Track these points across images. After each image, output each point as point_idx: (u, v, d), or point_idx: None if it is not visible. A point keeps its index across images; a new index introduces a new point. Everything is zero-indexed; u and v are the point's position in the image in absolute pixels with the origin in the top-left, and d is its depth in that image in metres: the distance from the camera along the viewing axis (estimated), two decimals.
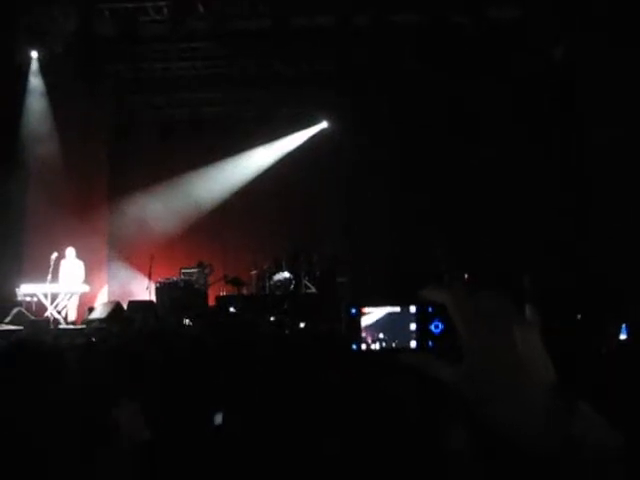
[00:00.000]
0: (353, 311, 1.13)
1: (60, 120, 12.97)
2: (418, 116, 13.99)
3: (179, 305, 12.12)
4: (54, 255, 11.54)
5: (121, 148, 15.67)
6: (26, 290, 11.30)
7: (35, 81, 12.83)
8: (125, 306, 11.65)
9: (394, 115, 14.25)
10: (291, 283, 13.14)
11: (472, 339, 0.96)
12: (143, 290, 13.58)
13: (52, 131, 12.90)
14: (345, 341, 1.15)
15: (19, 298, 11.29)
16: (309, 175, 14.38)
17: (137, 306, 11.73)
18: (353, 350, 1.13)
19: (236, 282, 13.08)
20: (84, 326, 10.21)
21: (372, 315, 1.12)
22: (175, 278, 13.40)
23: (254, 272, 13.65)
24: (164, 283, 13.14)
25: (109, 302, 12.10)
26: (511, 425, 0.91)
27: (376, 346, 1.12)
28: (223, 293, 13.33)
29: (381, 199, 14.10)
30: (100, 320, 10.48)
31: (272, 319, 8.19)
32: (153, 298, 12.90)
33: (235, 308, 11.44)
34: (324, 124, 15.39)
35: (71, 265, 12.20)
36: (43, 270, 11.45)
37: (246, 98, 15.21)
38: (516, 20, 12.00)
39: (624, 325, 4.65)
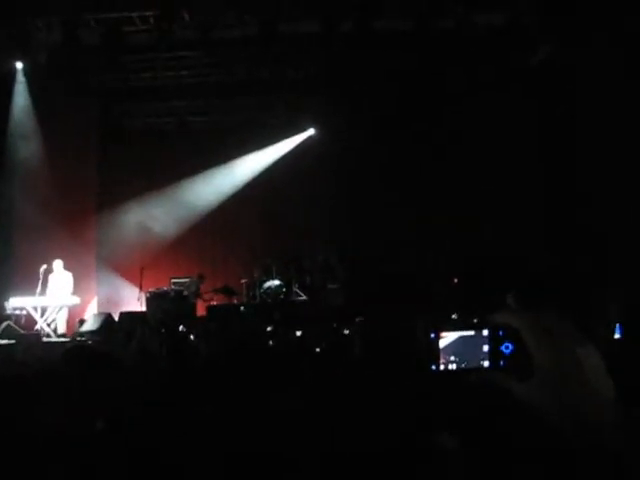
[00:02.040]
0: (432, 335, 1.20)
1: (47, 130, 12.90)
2: (406, 121, 14.05)
3: (170, 315, 12.06)
4: (43, 267, 11.45)
5: (109, 158, 15.60)
6: (15, 303, 11.19)
7: (20, 92, 12.73)
8: (116, 317, 11.57)
9: (381, 121, 14.30)
10: (282, 291, 13.11)
11: (543, 358, 1.01)
12: (133, 300, 13.51)
13: (38, 142, 12.83)
14: (424, 362, 1.21)
15: (8, 312, 11.18)
16: (298, 182, 14.38)
17: (129, 317, 11.65)
18: (432, 370, 1.20)
19: (227, 291, 13.03)
20: (78, 338, 10.12)
21: (447, 338, 1.18)
22: (165, 288, 13.34)
23: (244, 281, 13.61)
24: (155, 293, 13.07)
25: (100, 314, 12.01)
26: (574, 434, 0.94)
27: (452, 366, 1.19)
28: (214, 302, 13.27)
29: (370, 204, 14.13)
30: (92, 332, 10.39)
31: (269, 329, 8.16)
32: (144, 309, 12.83)
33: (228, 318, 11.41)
34: (312, 131, 15.38)
35: (59, 277, 12.09)
36: (32, 283, 11.36)
37: (233, 106, 15.19)
38: (501, 25, 12.04)
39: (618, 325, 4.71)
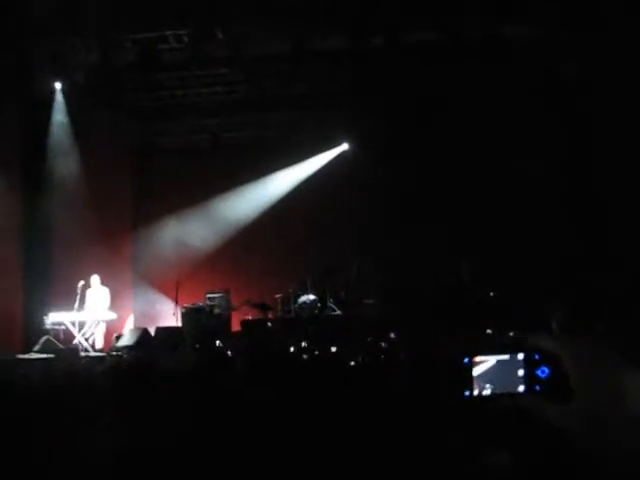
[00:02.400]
0: (466, 360, 1.18)
1: (84, 148, 13.14)
2: (437, 133, 14.01)
3: (205, 331, 12.14)
4: (81, 283, 11.65)
5: (145, 175, 15.84)
6: (54, 318, 11.40)
7: (59, 110, 13.00)
8: (152, 332, 11.69)
9: (413, 133, 14.28)
10: (316, 305, 13.09)
11: (581, 383, 1.00)
12: (169, 315, 13.63)
13: (76, 159, 13.07)
14: (458, 387, 1.19)
15: (47, 326, 11.39)
16: (331, 197, 14.37)
17: (165, 332, 11.76)
18: (465, 396, 1.18)
19: (261, 306, 13.06)
20: (115, 353, 10.24)
21: (483, 364, 1.16)
22: (201, 303, 13.43)
23: (279, 296, 13.62)
24: (190, 308, 13.17)
25: (136, 329, 12.15)
26: (611, 462, 0.93)
27: (487, 392, 1.16)
28: (249, 317, 13.30)
29: (404, 217, 14.08)
30: (128, 347, 10.52)
31: (304, 344, 8.17)
32: (180, 324, 12.95)
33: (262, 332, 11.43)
34: (345, 146, 15.40)
35: (97, 292, 12.27)
36: (70, 298, 11.56)
37: (266, 122, 15.31)
38: (529, 38, 11.99)
39: None
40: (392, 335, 8.82)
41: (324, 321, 12.60)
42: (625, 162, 10.95)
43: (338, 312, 13.00)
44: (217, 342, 8.89)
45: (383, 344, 7.34)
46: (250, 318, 13.20)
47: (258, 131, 15.49)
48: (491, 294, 12.41)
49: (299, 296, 13.30)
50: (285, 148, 15.26)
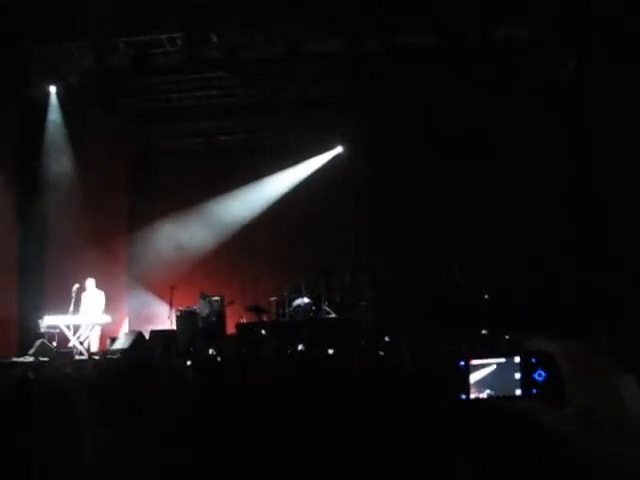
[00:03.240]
0: (462, 363, 1.18)
1: (79, 152, 13.14)
2: (432, 138, 14.04)
3: (199, 334, 12.15)
4: (75, 286, 11.64)
5: (140, 178, 15.84)
6: (49, 322, 11.39)
7: (54, 114, 12.99)
8: (147, 335, 11.68)
9: (407, 137, 14.31)
10: (311, 308, 13.10)
11: (577, 387, 1.01)
12: (164, 318, 13.63)
13: (71, 162, 13.06)
14: (453, 390, 1.20)
15: (42, 330, 11.38)
16: (326, 200, 14.39)
17: (159, 335, 11.76)
18: (461, 399, 1.19)
19: (256, 309, 13.06)
20: (109, 356, 10.23)
21: (479, 367, 1.17)
22: (195, 306, 13.43)
23: (274, 299, 13.63)
24: (185, 311, 13.18)
25: (131, 332, 12.14)
26: (606, 467, 0.94)
27: (483, 395, 1.17)
28: (243, 320, 13.31)
29: (398, 221, 14.10)
30: (123, 350, 10.51)
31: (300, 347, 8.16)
32: (174, 327, 12.95)
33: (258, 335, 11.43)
34: (339, 149, 15.43)
35: (92, 296, 12.26)
36: (65, 301, 11.55)
37: (261, 125, 15.33)
38: (526, 40, 12.02)
39: None
40: (386, 339, 8.82)
41: (319, 324, 12.60)
42: (625, 162, 10.94)
43: (333, 315, 13.01)
44: (210, 350, 8.85)
45: (378, 347, 7.34)
46: (245, 321, 13.21)
47: (253, 134, 15.51)
48: (485, 296, 12.44)
49: (294, 299, 13.31)
50: (280, 151, 15.29)
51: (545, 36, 11.73)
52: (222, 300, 13.63)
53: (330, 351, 7.65)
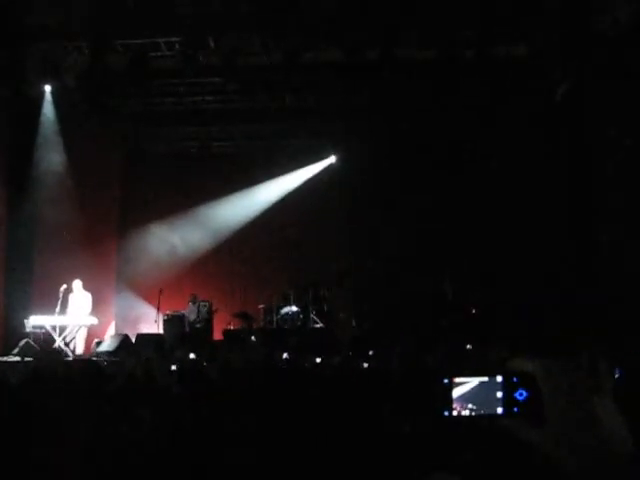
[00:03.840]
0: (445, 381, 1.20)
1: (72, 152, 13.09)
2: (426, 149, 14.08)
3: (185, 339, 12.11)
4: (63, 287, 11.56)
5: (132, 180, 15.81)
6: (35, 322, 11.29)
7: (48, 113, 12.95)
8: (133, 339, 11.63)
9: (401, 149, 14.35)
10: (299, 317, 13.09)
11: (558, 406, 1.03)
12: (151, 322, 13.58)
13: (63, 162, 13.01)
14: (437, 407, 1.21)
15: (28, 330, 11.29)
16: (318, 209, 14.41)
17: (145, 339, 11.71)
18: (445, 415, 1.20)
19: (243, 316, 13.04)
20: (94, 358, 10.17)
21: (463, 385, 1.19)
22: (183, 311, 13.40)
23: (262, 306, 13.62)
24: (172, 316, 13.14)
25: (117, 335, 12.09)
26: None
27: (466, 412, 1.19)
28: (231, 327, 13.28)
29: (391, 232, 14.10)
30: (108, 353, 10.46)
31: (285, 356, 8.15)
32: (161, 331, 12.91)
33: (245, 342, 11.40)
34: (332, 159, 15.45)
35: (79, 297, 12.19)
36: (51, 301, 11.47)
37: (256, 132, 15.35)
38: (523, 57, 12.09)
39: None
40: (370, 352, 8.84)
41: (306, 333, 12.60)
42: (624, 177, 10.98)
43: (320, 325, 13.01)
44: (192, 355, 8.83)
45: (363, 360, 7.34)
46: (232, 327, 13.18)
47: (247, 140, 15.52)
48: (473, 311, 12.47)
49: (282, 307, 13.30)
50: (273, 158, 15.30)
51: (544, 53, 11.79)
52: (210, 306, 13.61)
53: (317, 360, 7.66)
